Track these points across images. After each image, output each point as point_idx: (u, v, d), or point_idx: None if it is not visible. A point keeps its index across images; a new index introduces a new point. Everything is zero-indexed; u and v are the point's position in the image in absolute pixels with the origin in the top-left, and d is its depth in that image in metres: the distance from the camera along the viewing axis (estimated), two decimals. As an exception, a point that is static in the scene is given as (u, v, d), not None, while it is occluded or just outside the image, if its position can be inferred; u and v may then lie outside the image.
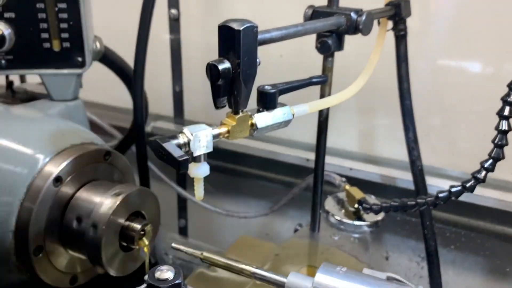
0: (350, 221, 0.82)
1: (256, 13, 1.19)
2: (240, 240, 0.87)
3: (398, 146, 1.12)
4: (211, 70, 0.48)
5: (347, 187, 0.87)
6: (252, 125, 0.54)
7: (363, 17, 0.62)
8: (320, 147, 0.74)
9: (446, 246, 1.09)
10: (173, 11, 1.15)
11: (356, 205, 0.84)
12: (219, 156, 1.38)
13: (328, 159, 1.12)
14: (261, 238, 1.28)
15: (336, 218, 0.83)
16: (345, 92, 0.67)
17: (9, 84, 0.93)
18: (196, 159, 0.50)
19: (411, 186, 1.02)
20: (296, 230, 0.83)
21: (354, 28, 0.63)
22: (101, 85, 1.19)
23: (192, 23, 1.24)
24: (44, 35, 0.73)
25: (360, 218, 0.84)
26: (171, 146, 0.46)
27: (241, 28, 0.47)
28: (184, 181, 1.37)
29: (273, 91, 0.54)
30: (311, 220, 0.81)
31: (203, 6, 1.24)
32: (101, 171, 0.62)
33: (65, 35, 0.73)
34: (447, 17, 0.99)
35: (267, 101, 0.54)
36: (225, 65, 0.48)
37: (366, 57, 0.75)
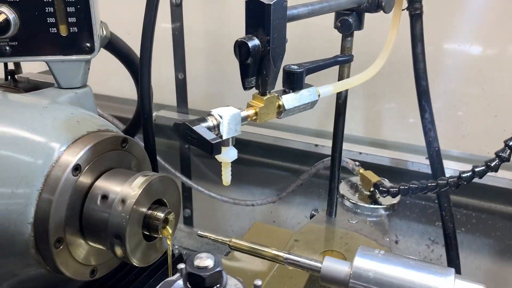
0: (366, 205, 0.81)
1: None
2: (255, 227, 0.86)
3: (404, 130, 1.11)
4: (240, 47, 0.46)
5: (361, 170, 0.86)
6: (279, 106, 0.52)
7: (386, -6, 0.61)
8: (338, 130, 0.73)
9: (456, 228, 1.09)
10: (175, -5, 1.12)
11: (371, 189, 0.83)
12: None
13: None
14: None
15: (352, 202, 0.82)
16: (366, 72, 0.65)
17: (11, 73, 0.89)
18: (224, 143, 0.48)
19: (423, 169, 1.01)
20: (312, 216, 0.81)
21: (376, 5, 0.62)
22: (99, 75, 1.16)
23: (193, 11, 1.21)
24: (51, 20, 0.69)
25: (375, 202, 0.83)
26: (202, 129, 0.44)
27: (271, 3, 0.45)
28: (189, 170, 1.35)
29: (300, 70, 0.52)
30: (327, 205, 0.79)
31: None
32: (118, 158, 0.59)
33: (72, 19, 0.70)
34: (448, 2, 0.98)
35: (294, 81, 0.52)
36: (255, 42, 0.46)
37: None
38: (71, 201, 0.53)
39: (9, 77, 0.91)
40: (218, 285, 0.39)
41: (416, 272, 0.44)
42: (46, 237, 0.51)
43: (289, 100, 0.52)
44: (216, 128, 0.47)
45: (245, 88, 0.49)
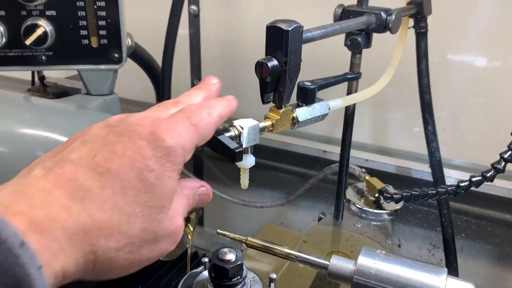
0: (371, 210, 0.86)
1: (270, 7, 1.23)
2: (266, 228, 0.92)
3: (408, 138, 1.16)
4: (261, 67, 0.52)
5: (367, 177, 0.92)
6: (293, 118, 0.58)
7: (393, 16, 0.66)
8: (346, 140, 0.78)
9: (456, 234, 1.14)
10: (193, 7, 1.18)
11: (376, 195, 0.88)
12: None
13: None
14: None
15: (358, 206, 0.87)
16: (373, 87, 0.71)
17: (41, 78, 0.96)
18: (244, 151, 0.54)
19: (425, 177, 1.07)
20: (320, 219, 0.87)
21: (383, 26, 0.67)
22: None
23: (208, 19, 1.27)
24: (83, 32, 0.76)
25: (380, 207, 0.88)
26: (225, 139, 0.50)
27: (289, 29, 0.50)
28: (201, 172, 1.41)
29: (313, 87, 0.58)
30: (335, 209, 0.85)
31: (218, 3, 1.27)
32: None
33: (103, 32, 0.76)
34: (455, 13, 1.03)
35: (307, 96, 0.58)
36: (274, 62, 0.52)
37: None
38: (104, 200, 0.59)
39: (38, 81, 0.98)
40: (238, 277, 0.45)
41: (412, 270, 0.49)
42: (82, 231, 0.57)
43: (302, 113, 0.58)
44: (237, 137, 0.53)
45: (263, 102, 0.54)
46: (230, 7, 1.27)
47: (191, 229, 0.62)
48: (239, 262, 0.44)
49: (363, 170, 0.94)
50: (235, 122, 0.54)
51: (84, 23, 0.75)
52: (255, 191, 1.44)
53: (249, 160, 0.55)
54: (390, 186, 0.91)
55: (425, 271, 0.49)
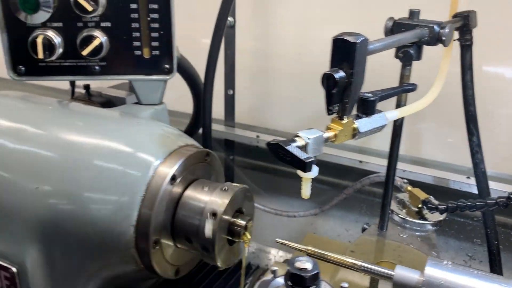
0: (415, 220, 0.86)
1: (303, 20, 1.24)
2: (308, 238, 0.92)
3: (443, 149, 1.16)
4: (328, 79, 0.53)
5: (410, 188, 0.92)
6: (354, 129, 0.58)
7: (446, 30, 0.67)
8: (394, 151, 0.79)
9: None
10: (230, 18, 1.20)
11: (420, 205, 0.88)
12: (262, 156, 1.43)
13: (379, 161, 1.17)
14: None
15: (401, 217, 0.87)
16: (425, 99, 0.71)
17: (86, 87, 0.98)
18: (309, 161, 0.55)
19: (464, 188, 1.06)
20: (364, 229, 0.87)
21: (436, 39, 0.68)
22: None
23: (243, 29, 1.28)
24: (136, 43, 0.78)
25: (422, 217, 0.88)
26: (295, 149, 0.51)
27: (358, 41, 0.51)
28: (232, 180, 1.42)
29: (374, 98, 0.58)
30: (380, 219, 0.85)
31: (252, 14, 1.29)
32: (201, 170, 0.66)
33: (155, 43, 0.78)
34: (491, 24, 1.03)
35: (368, 107, 0.59)
36: (341, 74, 0.53)
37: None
38: (167, 207, 0.60)
39: (84, 90, 1.00)
40: (314, 286, 0.46)
41: (482, 282, 0.49)
42: (146, 238, 0.58)
43: (363, 124, 0.59)
44: (303, 147, 0.54)
45: (328, 113, 0.55)
46: (264, 19, 1.29)
47: (249, 236, 0.63)
48: (315, 271, 0.45)
49: (405, 180, 0.94)
50: (300, 133, 0.54)
51: (138, 34, 0.77)
52: (283, 200, 1.45)
53: (313, 170, 0.56)
54: (431, 197, 0.91)
55: (495, 282, 0.49)
